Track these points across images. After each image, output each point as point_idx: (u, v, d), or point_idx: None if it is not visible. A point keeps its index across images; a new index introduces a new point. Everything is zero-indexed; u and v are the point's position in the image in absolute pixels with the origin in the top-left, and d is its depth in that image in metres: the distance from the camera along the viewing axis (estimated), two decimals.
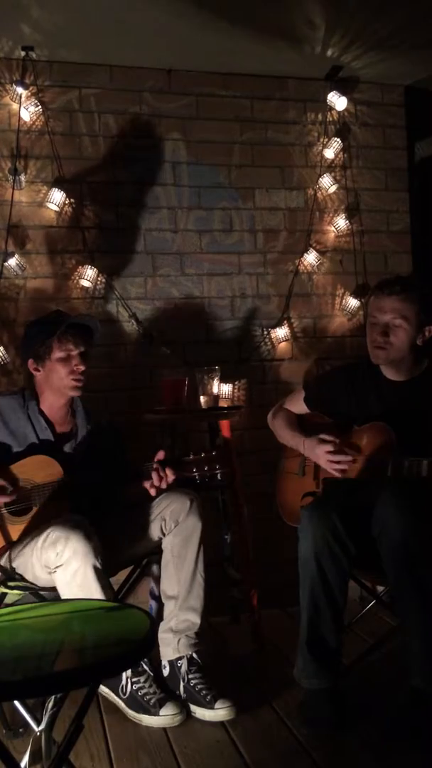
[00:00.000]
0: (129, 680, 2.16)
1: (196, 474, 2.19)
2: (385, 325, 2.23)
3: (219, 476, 2.24)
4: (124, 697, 2.17)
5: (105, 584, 2.06)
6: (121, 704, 2.18)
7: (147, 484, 2.20)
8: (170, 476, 2.19)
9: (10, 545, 2.15)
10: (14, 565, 2.15)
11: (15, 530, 2.15)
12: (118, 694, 2.18)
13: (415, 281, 2.30)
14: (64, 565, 2.01)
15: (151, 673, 2.19)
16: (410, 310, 2.20)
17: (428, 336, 2.25)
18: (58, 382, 2.30)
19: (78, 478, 2.19)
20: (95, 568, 2.02)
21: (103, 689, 2.22)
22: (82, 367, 2.30)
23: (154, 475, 2.18)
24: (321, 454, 2.24)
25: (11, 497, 2.11)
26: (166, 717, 2.11)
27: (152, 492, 2.21)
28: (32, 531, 2.14)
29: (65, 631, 1.62)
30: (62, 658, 1.45)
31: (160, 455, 2.21)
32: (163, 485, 2.20)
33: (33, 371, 2.33)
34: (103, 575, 2.05)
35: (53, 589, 2.10)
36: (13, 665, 1.40)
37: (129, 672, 2.16)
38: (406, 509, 2.00)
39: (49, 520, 2.13)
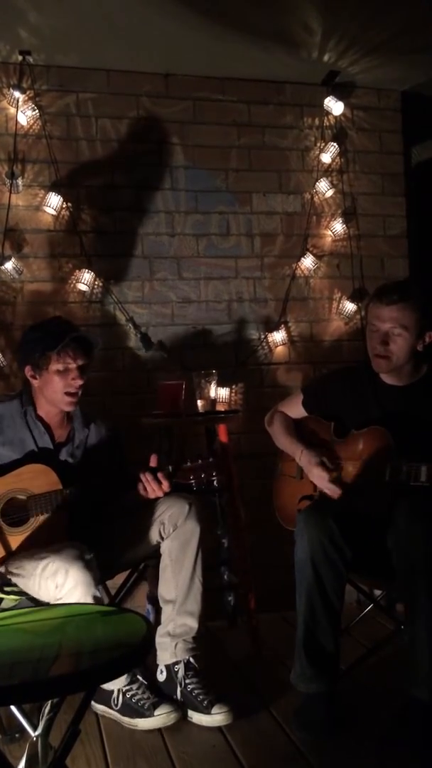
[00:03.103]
0: (120, 691, 2.15)
1: (193, 481, 2.19)
2: (385, 333, 2.22)
3: (215, 483, 2.23)
4: (117, 707, 2.16)
5: None
6: (116, 715, 2.17)
7: (140, 491, 2.19)
8: (165, 486, 2.15)
9: (9, 555, 2.13)
10: (11, 578, 2.13)
11: (14, 540, 2.13)
12: (110, 707, 2.17)
13: (414, 288, 2.29)
14: (65, 597, 1.99)
15: (145, 682, 2.18)
16: (410, 318, 2.19)
17: (429, 342, 2.24)
18: (53, 395, 2.27)
19: (76, 486, 2.17)
20: (95, 598, 2.01)
21: (97, 706, 2.21)
22: (79, 381, 2.26)
23: (145, 482, 2.15)
24: (317, 476, 2.24)
25: None
26: (161, 716, 2.11)
27: (143, 493, 2.18)
28: (31, 542, 2.12)
29: (62, 636, 1.62)
30: (59, 662, 1.45)
31: (153, 461, 2.20)
32: (159, 494, 2.17)
33: (30, 378, 2.30)
34: (101, 603, 2.05)
35: None
36: (9, 670, 1.40)
37: (121, 683, 2.15)
38: (426, 524, 1.99)
39: (47, 530, 2.11)
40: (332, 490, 2.20)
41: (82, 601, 1.98)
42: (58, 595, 1.99)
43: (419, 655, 1.98)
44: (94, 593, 2.00)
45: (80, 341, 2.27)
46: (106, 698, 2.18)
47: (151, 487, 2.15)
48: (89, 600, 1.98)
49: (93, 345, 2.33)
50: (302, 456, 2.30)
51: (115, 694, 2.16)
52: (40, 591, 2.04)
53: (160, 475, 2.15)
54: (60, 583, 1.98)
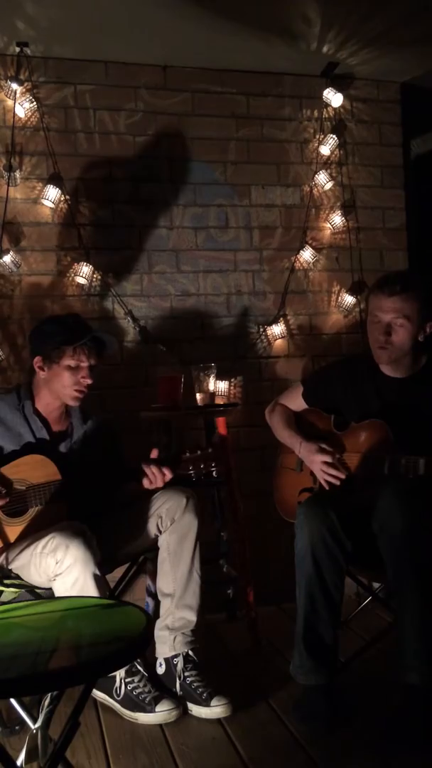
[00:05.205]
0: (123, 681, 2.16)
1: (192, 472, 2.19)
2: (387, 324, 2.22)
3: (214, 474, 2.24)
4: (119, 698, 2.16)
5: (104, 592, 2.06)
6: (117, 706, 2.18)
7: (143, 482, 2.20)
8: (167, 475, 2.18)
9: (7, 546, 2.13)
10: (12, 567, 2.14)
11: (11, 531, 2.13)
12: (112, 696, 2.18)
13: (415, 277, 2.29)
14: (63, 573, 2.00)
15: (146, 674, 2.18)
16: (411, 308, 2.19)
17: (429, 332, 2.24)
18: (61, 389, 2.27)
19: (74, 478, 2.18)
20: (95, 576, 2.01)
21: (98, 693, 2.21)
22: (88, 381, 2.27)
23: (149, 472, 2.17)
24: (317, 462, 2.24)
25: (3, 500, 2.09)
26: (162, 713, 2.11)
27: (146, 484, 2.19)
28: (29, 532, 2.12)
29: (61, 629, 1.62)
30: (58, 655, 1.45)
31: (153, 454, 2.20)
32: (159, 483, 2.19)
33: (37, 369, 2.29)
34: (102, 583, 2.05)
35: (50, 588, 2.09)
36: (9, 663, 1.40)
37: (123, 673, 2.16)
38: (407, 504, 2.00)
39: (45, 520, 2.12)
40: (335, 475, 2.19)
41: (81, 578, 1.98)
42: (58, 571, 2.00)
43: (406, 639, 2.00)
44: (94, 571, 2.01)
45: (97, 342, 2.28)
46: (108, 686, 2.18)
47: (153, 474, 2.16)
48: (88, 577, 1.99)
49: (107, 348, 2.33)
50: (301, 447, 2.30)
51: (117, 684, 2.16)
52: (40, 570, 2.04)
53: (155, 468, 2.16)
54: (60, 558, 1.98)
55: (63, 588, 2.02)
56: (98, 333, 2.31)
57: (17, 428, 2.27)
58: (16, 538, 2.13)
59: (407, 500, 2.00)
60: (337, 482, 2.20)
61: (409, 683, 1.99)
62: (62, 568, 1.99)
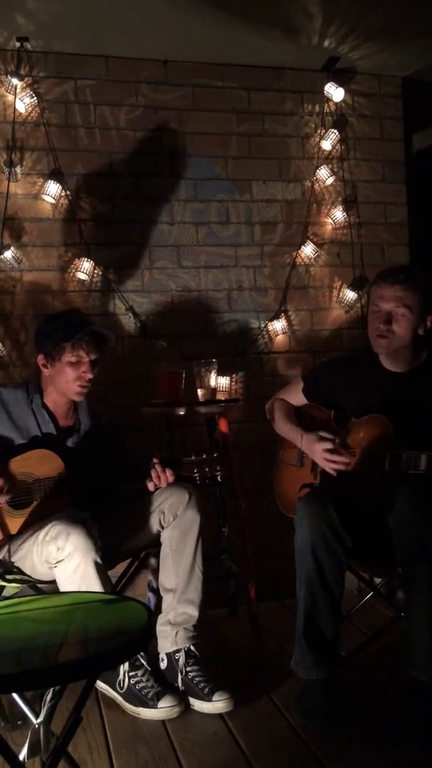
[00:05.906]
0: (126, 675, 2.16)
1: (196, 475, 2.21)
2: (388, 313, 2.22)
3: (219, 478, 2.26)
4: (122, 691, 2.17)
5: (105, 579, 2.07)
6: (119, 699, 2.19)
7: (148, 485, 2.22)
8: (170, 477, 2.20)
9: (10, 538, 2.15)
10: (14, 558, 2.15)
11: (14, 523, 2.15)
12: (115, 689, 2.19)
13: (417, 271, 2.29)
14: (65, 560, 2.01)
15: (149, 668, 2.19)
16: (413, 299, 2.20)
17: (430, 326, 2.24)
18: (64, 385, 2.29)
19: (79, 472, 2.20)
20: (96, 564, 2.02)
21: (101, 684, 2.23)
22: (89, 375, 2.29)
23: (153, 474, 2.19)
24: (318, 451, 2.23)
25: (6, 497, 2.10)
26: (164, 709, 2.12)
27: (150, 488, 2.23)
28: (32, 525, 2.14)
29: (64, 624, 1.62)
30: (60, 650, 1.45)
31: (156, 459, 2.23)
32: (162, 484, 2.22)
33: (41, 366, 2.32)
34: (103, 570, 2.06)
35: (52, 582, 2.11)
36: (11, 658, 1.40)
37: (126, 666, 2.16)
38: (420, 502, 2.00)
39: (49, 514, 2.13)
40: (338, 461, 2.18)
41: (82, 564, 2.00)
42: (59, 557, 2.01)
43: (419, 637, 1.99)
44: (95, 558, 2.02)
45: (95, 335, 2.30)
46: (111, 679, 2.20)
47: (157, 476, 2.19)
48: (90, 564, 2.00)
49: (107, 340, 2.35)
50: (303, 440, 2.30)
51: (121, 676, 2.17)
52: (42, 557, 2.05)
53: (159, 469, 2.19)
54: (61, 545, 2.00)
55: (64, 575, 2.03)
56: (95, 327, 2.32)
57: (25, 421, 2.29)
58: (18, 529, 2.14)
59: (421, 498, 2.00)
60: (343, 468, 2.19)
61: (417, 679, 1.98)
62: (63, 555, 2.01)
